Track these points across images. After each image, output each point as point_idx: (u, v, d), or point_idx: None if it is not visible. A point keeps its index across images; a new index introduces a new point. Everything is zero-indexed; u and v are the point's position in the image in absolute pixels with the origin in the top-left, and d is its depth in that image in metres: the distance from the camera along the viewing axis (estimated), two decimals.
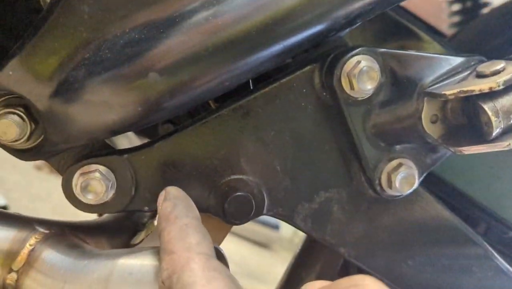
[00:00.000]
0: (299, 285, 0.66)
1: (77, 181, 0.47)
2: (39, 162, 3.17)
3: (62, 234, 0.50)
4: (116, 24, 0.41)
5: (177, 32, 0.41)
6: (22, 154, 0.48)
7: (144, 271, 0.43)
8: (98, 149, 0.50)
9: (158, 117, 0.46)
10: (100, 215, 0.73)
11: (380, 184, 0.51)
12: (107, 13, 0.41)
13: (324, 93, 0.50)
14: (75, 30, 0.41)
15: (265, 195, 0.51)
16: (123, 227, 0.61)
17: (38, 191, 2.46)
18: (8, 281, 0.47)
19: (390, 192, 0.51)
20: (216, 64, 0.43)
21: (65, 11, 0.41)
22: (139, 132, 0.81)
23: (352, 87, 0.47)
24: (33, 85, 0.42)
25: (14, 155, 0.49)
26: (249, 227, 3.66)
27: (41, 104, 0.43)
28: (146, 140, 0.54)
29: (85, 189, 0.46)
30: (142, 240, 0.55)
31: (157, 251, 0.45)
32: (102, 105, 0.43)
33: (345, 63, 0.47)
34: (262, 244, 4.05)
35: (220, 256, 0.46)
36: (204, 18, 0.41)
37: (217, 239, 0.60)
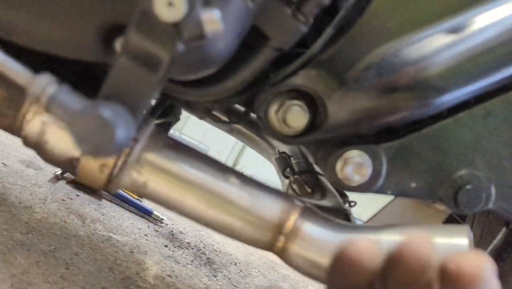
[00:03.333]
0: None
1: (342, 165, 0.55)
2: None
3: (311, 208, 0.59)
4: (404, 34, 0.49)
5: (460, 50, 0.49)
6: (287, 138, 0.57)
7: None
8: (350, 138, 0.58)
9: (422, 115, 0.53)
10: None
11: None
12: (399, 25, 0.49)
13: None
14: (371, 38, 0.49)
15: (492, 190, 0.57)
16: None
17: None
18: (278, 244, 0.56)
19: None
20: (481, 75, 0.50)
21: (363, 24, 0.49)
22: None
23: None
24: (329, 83, 0.51)
25: (277, 138, 0.58)
26: None
27: (330, 100, 0.52)
28: None
29: (352, 171, 0.54)
30: (374, 216, 0.63)
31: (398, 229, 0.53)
32: (383, 102, 0.51)
33: None
34: None
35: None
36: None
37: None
